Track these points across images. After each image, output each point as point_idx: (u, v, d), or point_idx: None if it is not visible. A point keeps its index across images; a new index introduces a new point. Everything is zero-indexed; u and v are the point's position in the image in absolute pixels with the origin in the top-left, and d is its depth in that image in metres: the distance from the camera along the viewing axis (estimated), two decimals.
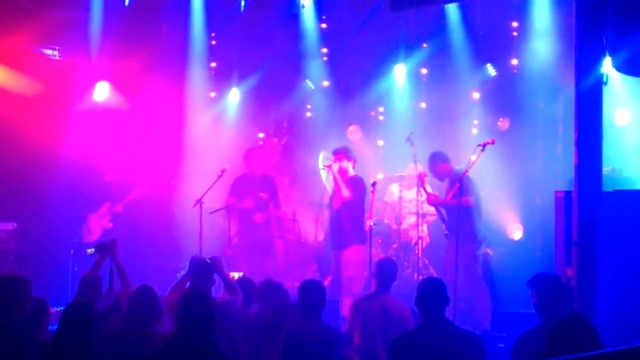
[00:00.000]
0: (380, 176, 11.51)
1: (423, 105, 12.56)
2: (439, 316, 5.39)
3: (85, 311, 5.37)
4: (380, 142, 12.73)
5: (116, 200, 10.89)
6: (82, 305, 5.56)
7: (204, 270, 6.80)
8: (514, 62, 11.57)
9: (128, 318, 5.97)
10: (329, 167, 9.38)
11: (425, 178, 9.39)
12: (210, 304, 5.13)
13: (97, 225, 10.83)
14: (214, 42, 12.07)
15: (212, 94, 12.51)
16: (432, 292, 5.42)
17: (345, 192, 9.23)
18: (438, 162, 9.32)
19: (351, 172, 9.45)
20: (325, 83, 12.64)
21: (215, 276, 6.92)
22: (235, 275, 7.55)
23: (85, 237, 10.78)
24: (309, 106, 13.02)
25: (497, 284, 9.82)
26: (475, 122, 12.07)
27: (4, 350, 5.32)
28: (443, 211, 9.23)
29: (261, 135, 12.67)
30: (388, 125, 12.59)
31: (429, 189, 9.39)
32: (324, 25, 12.02)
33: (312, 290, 6.14)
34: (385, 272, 7.10)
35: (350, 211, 9.32)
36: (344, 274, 9.23)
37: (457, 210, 8.81)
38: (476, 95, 12.02)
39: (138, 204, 10.96)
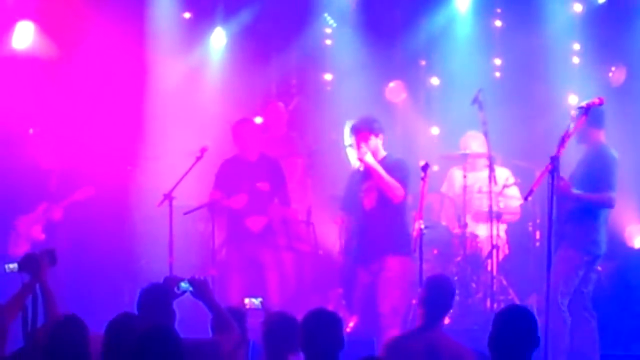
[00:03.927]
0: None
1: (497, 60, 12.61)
2: None
3: None
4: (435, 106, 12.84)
5: (55, 199, 10.85)
6: None
7: (154, 298, 6.70)
8: None
9: None
10: (362, 159, 9.30)
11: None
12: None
13: (24, 235, 10.83)
14: None
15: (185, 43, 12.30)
16: (517, 329, 5.39)
17: (400, 191, 9.17)
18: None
19: (382, 153, 9.36)
20: (353, 18, 12.64)
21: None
22: (249, 301, 7.26)
23: (10, 249, 10.78)
24: (329, 53, 13.01)
25: (608, 313, 9.89)
26: (575, 71, 12.06)
27: None
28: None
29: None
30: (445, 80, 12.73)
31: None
32: None
33: (320, 326, 6.10)
34: (434, 296, 7.00)
35: (393, 207, 9.28)
36: (383, 301, 9.14)
37: (580, 207, 8.88)
38: (576, 32, 12.08)
39: (82, 208, 10.86)
